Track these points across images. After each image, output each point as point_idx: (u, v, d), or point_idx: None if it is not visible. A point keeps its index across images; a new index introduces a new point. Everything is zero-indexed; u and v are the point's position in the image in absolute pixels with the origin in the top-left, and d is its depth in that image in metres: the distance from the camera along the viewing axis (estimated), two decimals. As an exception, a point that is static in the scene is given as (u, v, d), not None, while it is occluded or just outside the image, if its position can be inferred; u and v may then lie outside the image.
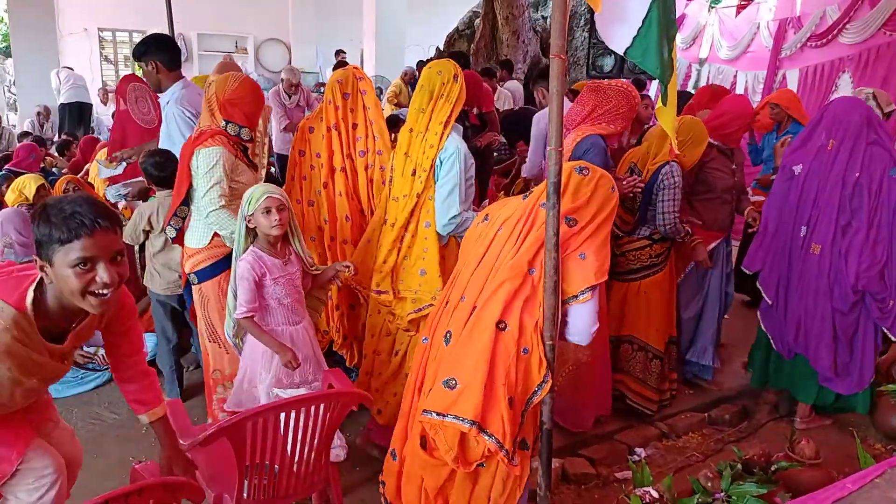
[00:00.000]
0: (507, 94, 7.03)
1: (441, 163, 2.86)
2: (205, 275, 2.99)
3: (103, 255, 1.62)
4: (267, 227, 2.57)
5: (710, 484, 2.58)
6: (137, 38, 13.61)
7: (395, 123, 8.01)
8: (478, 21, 9.02)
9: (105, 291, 1.64)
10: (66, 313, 1.75)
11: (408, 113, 3.08)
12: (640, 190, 3.28)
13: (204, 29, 13.76)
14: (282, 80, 6.75)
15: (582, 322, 2.20)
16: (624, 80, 3.85)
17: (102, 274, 1.62)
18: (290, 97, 6.67)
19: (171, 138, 3.60)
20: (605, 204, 2.23)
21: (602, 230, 2.22)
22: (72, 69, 10.36)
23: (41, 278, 1.68)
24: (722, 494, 2.54)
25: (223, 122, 2.92)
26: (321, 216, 3.32)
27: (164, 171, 3.35)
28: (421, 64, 10.57)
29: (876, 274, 3.10)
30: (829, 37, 6.66)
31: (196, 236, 2.97)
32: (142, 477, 2.12)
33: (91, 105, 10.15)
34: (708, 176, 3.62)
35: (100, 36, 13.63)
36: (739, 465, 2.72)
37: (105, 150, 5.04)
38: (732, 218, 3.83)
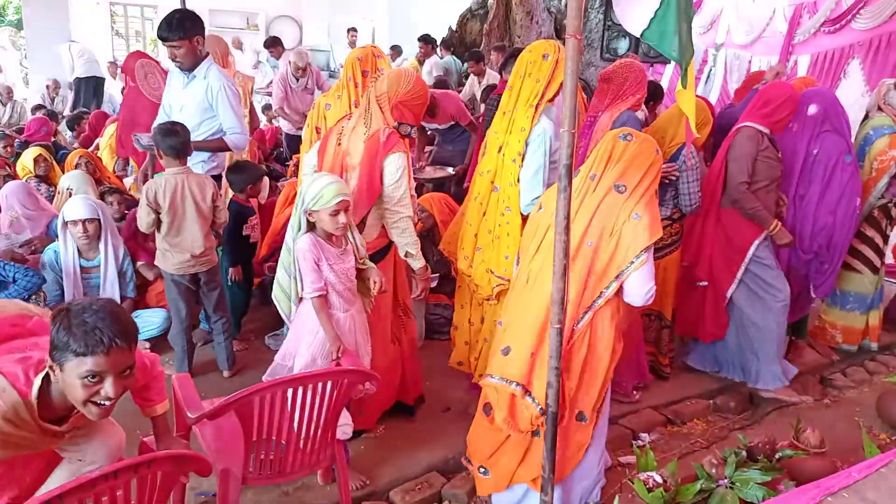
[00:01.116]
0: (496, 76, 6.91)
1: (527, 144, 2.89)
2: (377, 256, 2.97)
3: (113, 371, 1.66)
4: (331, 227, 2.55)
5: (714, 470, 2.59)
6: (148, 13, 13.68)
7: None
8: (491, 1, 8.92)
9: (106, 403, 1.69)
10: (68, 405, 1.77)
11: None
12: (675, 177, 3.43)
13: (215, 5, 13.65)
14: (289, 62, 6.72)
15: (639, 285, 2.34)
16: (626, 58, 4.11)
17: (108, 388, 1.67)
18: (297, 80, 6.64)
19: (211, 109, 3.66)
20: (650, 166, 2.43)
21: (649, 191, 2.41)
22: (79, 43, 10.33)
23: (48, 371, 1.71)
24: (726, 481, 2.55)
25: (395, 123, 2.86)
26: None
27: (177, 141, 3.31)
28: (428, 40, 10.47)
29: (823, 241, 3.71)
30: (843, 22, 6.55)
31: (370, 232, 2.92)
32: (150, 450, 2.14)
33: (104, 79, 10.15)
34: (762, 165, 3.55)
35: (111, 10, 13.54)
36: (744, 453, 2.72)
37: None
38: (777, 207, 3.76)
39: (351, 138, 2.88)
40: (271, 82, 8.26)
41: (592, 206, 2.39)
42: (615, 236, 2.35)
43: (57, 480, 1.98)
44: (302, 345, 2.65)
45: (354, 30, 11.25)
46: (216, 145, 3.75)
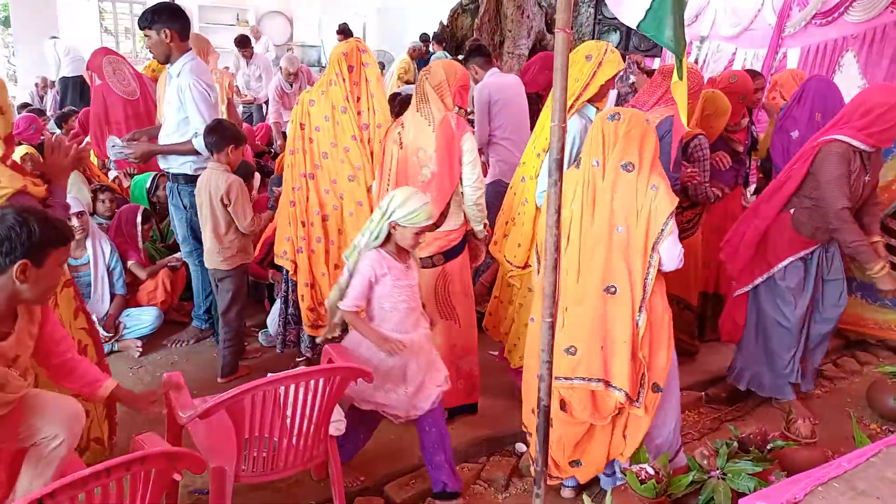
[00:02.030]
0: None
1: None
2: (454, 253, 3.05)
3: None
4: (410, 244, 2.54)
5: (706, 462, 2.59)
6: (138, 9, 13.57)
7: (391, 99, 7.93)
8: (482, -5, 8.91)
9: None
10: (12, 312, 1.92)
11: None
12: (696, 181, 3.50)
13: (204, 0, 13.60)
14: (280, 68, 6.74)
15: (671, 249, 2.46)
16: (691, 62, 4.09)
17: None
18: (290, 85, 6.68)
19: (183, 109, 3.55)
20: (645, 137, 2.47)
21: (654, 160, 2.49)
22: (63, 39, 9.92)
23: None
24: (717, 472, 2.55)
25: (456, 109, 3.04)
26: (321, 188, 3.32)
27: (210, 139, 3.38)
28: (425, 38, 10.45)
29: None
30: (836, 14, 6.55)
31: (452, 219, 3.02)
32: (142, 447, 2.14)
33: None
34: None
35: (99, 6, 13.45)
36: (735, 444, 2.73)
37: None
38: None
39: (415, 135, 2.99)
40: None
41: (608, 191, 2.46)
42: (644, 213, 2.44)
43: (29, 473, 1.99)
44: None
45: (346, 25, 11.20)
46: (183, 148, 3.57)
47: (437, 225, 2.95)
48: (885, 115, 2.97)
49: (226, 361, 3.59)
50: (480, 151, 4.00)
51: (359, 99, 3.25)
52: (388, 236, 2.52)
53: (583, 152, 2.59)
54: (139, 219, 4.13)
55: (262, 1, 14.29)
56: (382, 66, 10.44)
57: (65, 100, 9.21)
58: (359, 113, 3.25)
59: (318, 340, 3.52)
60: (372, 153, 3.26)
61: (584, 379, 2.50)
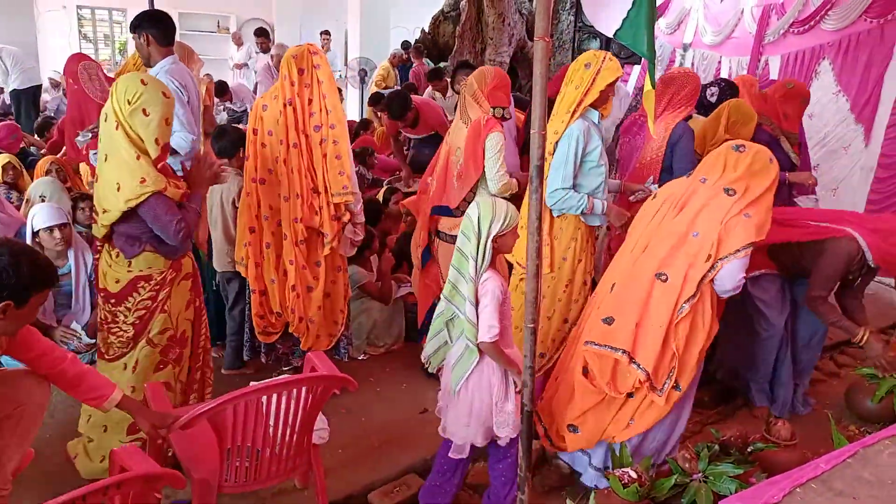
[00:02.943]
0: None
1: (557, 144, 3.12)
2: None
3: None
4: (510, 246, 2.44)
5: (688, 465, 2.62)
6: (117, 17, 13.49)
7: (377, 101, 7.91)
8: (463, 3, 8.93)
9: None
10: None
11: None
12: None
13: (185, 7, 13.51)
14: (271, 56, 6.76)
15: (735, 273, 2.56)
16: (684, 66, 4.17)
17: None
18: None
19: None
20: (762, 174, 2.63)
21: (764, 198, 2.61)
22: (10, 48, 8.70)
23: None
24: (699, 475, 2.58)
25: (492, 109, 3.40)
26: (275, 193, 3.31)
27: (222, 143, 3.52)
28: (406, 45, 10.47)
29: None
30: (812, 23, 6.67)
31: None
32: (121, 460, 2.11)
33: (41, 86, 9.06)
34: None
35: (78, 13, 13.32)
36: (717, 447, 2.76)
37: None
38: None
39: (455, 136, 3.54)
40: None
41: (698, 203, 2.65)
42: (726, 230, 2.56)
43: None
44: (494, 397, 2.44)
45: (327, 33, 11.19)
46: None
47: (461, 209, 3.29)
48: None
49: (228, 354, 3.72)
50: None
51: (310, 101, 3.24)
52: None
53: (695, 171, 2.79)
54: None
55: (243, 8, 14.24)
56: (364, 72, 10.46)
57: (18, 114, 8.42)
58: (311, 115, 3.25)
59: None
60: (325, 155, 3.25)
61: (612, 348, 2.63)
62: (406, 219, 4.38)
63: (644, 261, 2.67)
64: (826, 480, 1.78)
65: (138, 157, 2.48)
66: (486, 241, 2.37)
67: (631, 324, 2.61)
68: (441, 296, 2.54)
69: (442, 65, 9.37)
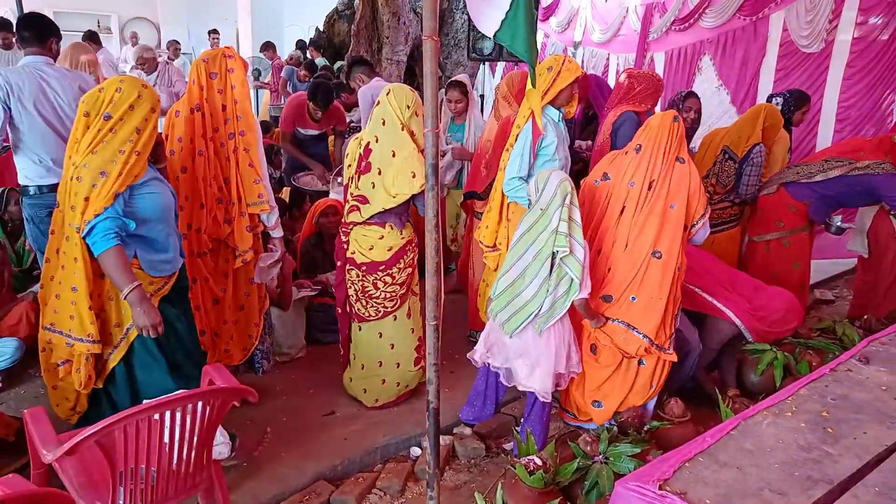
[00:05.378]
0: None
1: (517, 137, 3.36)
2: None
3: None
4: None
5: (589, 448, 2.72)
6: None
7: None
8: (357, 1, 8.85)
9: None
10: None
11: None
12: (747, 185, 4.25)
13: (60, 6, 12.68)
14: (168, 58, 6.37)
15: (703, 232, 3.01)
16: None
17: None
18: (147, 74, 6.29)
19: None
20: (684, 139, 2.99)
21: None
22: None
23: None
24: (600, 457, 2.68)
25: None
26: (182, 202, 3.16)
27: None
28: (303, 45, 10.27)
29: None
30: (691, 21, 7.06)
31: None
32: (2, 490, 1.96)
33: None
34: None
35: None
36: (615, 428, 2.88)
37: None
38: None
39: (489, 131, 4.08)
40: None
41: (664, 177, 2.91)
42: (688, 196, 2.91)
43: None
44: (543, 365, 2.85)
45: (216, 32, 10.81)
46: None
47: (486, 192, 3.82)
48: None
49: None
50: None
51: (225, 107, 3.13)
52: None
53: (642, 142, 2.99)
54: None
55: (125, 7, 13.52)
56: (259, 72, 10.17)
57: None
58: (226, 121, 3.13)
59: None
60: (237, 162, 3.14)
61: (613, 319, 2.96)
62: (320, 220, 4.25)
63: (638, 242, 2.92)
64: (712, 454, 1.89)
65: (421, 152, 2.94)
66: (565, 205, 2.74)
67: (627, 299, 2.94)
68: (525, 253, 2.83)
69: (339, 64, 9.26)
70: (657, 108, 4.50)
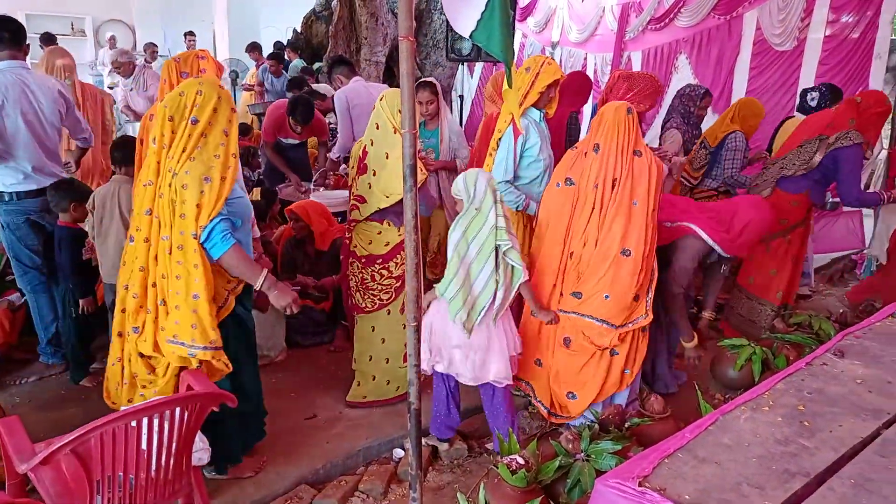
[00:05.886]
0: (328, 88, 6.77)
1: (500, 142, 3.44)
2: None
3: None
4: None
5: (570, 446, 2.72)
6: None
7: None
8: (335, 2, 8.82)
9: None
10: None
11: None
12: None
13: (32, 9, 12.46)
14: (146, 62, 6.32)
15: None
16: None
17: None
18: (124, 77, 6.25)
19: None
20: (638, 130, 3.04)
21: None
22: None
23: None
24: (582, 455, 2.69)
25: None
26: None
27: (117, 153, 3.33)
28: (280, 46, 10.20)
29: None
30: (667, 20, 7.13)
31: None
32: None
33: None
34: None
35: None
36: (597, 426, 2.89)
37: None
38: None
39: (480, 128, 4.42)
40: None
41: (627, 172, 2.93)
42: (648, 190, 2.93)
43: None
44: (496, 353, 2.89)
45: (192, 34, 10.71)
46: None
47: None
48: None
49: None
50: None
51: None
52: None
53: (600, 141, 2.99)
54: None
55: (99, 9, 13.34)
56: (236, 74, 10.09)
57: None
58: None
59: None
60: None
61: (586, 315, 2.99)
62: (297, 224, 4.25)
63: (606, 241, 2.94)
64: (691, 449, 1.90)
65: None
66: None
67: (600, 296, 2.96)
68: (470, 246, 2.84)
69: (317, 65, 9.22)
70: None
